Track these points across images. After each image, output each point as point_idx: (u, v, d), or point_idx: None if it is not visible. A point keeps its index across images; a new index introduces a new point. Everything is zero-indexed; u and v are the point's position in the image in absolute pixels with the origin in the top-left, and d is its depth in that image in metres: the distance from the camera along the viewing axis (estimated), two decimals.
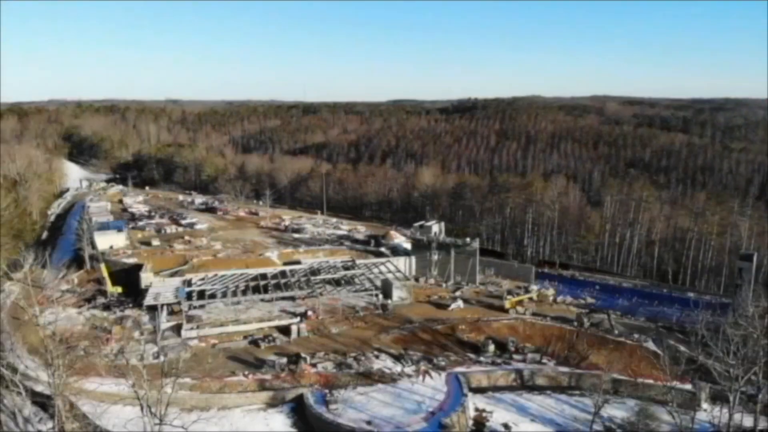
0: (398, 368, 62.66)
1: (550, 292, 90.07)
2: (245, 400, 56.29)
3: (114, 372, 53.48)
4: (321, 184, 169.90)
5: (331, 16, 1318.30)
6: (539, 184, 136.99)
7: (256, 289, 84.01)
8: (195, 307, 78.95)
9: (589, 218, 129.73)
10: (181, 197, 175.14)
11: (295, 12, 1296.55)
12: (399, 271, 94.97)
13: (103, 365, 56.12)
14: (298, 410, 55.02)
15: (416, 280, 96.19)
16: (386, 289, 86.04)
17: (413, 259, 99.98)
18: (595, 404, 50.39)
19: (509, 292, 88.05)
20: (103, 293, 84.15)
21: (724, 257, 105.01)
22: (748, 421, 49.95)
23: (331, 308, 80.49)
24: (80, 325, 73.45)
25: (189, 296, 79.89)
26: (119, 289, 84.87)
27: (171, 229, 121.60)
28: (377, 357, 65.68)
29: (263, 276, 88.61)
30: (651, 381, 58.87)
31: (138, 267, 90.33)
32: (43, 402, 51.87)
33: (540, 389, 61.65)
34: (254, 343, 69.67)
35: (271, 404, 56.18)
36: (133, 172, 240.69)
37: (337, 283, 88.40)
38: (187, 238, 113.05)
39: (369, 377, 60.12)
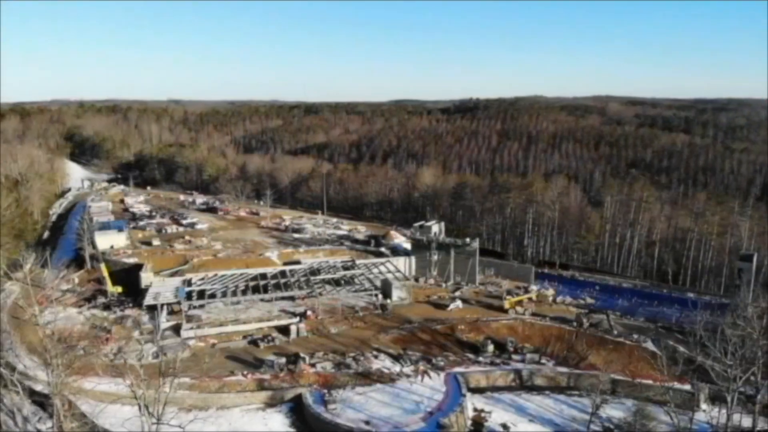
0: (397, 368, 62.67)
1: (550, 292, 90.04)
2: (244, 400, 56.35)
3: (112, 371, 53.62)
4: (322, 184, 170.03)
5: (332, 16, 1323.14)
6: (540, 184, 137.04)
7: (255, 289, 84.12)
8: (195, 307, 79.06)
9: (589, 218, 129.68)
10: (182, 197, 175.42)
11: (297, 12, 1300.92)
12: (399, 271, 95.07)
13: (100, 365, 56.24)
14: (297, 410, 55.07)
15: (416, 280, 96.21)
16: (386, 289, 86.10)
17: (413, 259, 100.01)
18: (593, 404, 50.36)
19: (509, 293, 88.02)
20: (104, 293, 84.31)
21: (724, 258, 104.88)
22: (747, 422, 49.85)
23: (330, 308, 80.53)
24: (80, 324, 73.60)
25: (189, 296, 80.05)
26: (119, 289, 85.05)
27: (172, 229, 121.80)
28: (376, 357, 65.69)
29: (263, 276, 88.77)
30: (650, 381, 58.73)
31: (138, 267, 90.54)
32: (41, 401, 52.04)
33: (539, 389, 61.63)
34: (253, 342, 69.76)
35: (270, 404, 56.23)
36: (135, 172, 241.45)
37: (336, 283, 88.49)
38: (187, 238, 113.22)
39: (368, 377, 60.13)
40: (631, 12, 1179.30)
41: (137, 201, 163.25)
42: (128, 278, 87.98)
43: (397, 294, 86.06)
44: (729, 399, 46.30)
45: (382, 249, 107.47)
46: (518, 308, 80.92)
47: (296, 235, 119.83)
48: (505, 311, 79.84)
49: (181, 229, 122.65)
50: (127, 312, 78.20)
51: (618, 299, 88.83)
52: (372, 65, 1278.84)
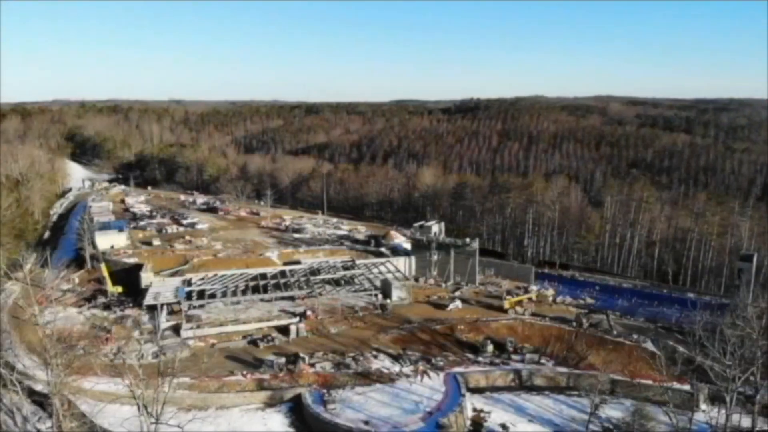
0: (396, 368, 62.69)
1: (550, 292, 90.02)
2: (243, 400, 56.39)
3: (111, 371, 53.68)
4: (322, 184, 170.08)
5: (332, 16, 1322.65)
6: (540, 184, 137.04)
7: (255, 289, 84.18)
8: (194, 307, 79.13)
9: (589, 219, 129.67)
10: (182, 197, 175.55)
11: (297, 12, 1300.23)
12: (399, 271, 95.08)
13: (99, 364, 56.31)
14: (296, 410, 55.11)
15: (416, 280, 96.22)
16: (386, 290, 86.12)
17: (413, 259, 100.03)
18: (592, 404, 50.35)
19: (508, 293, 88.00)
20: (104, 293, 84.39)
21: (724, 258, 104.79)
22: (746, 422, 49.81)
23: (330, 308, 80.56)
24: (80, 324, 73.67)
25: (189, 296, 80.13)
26: (119, 289, 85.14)
27: (172, 228, 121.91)
28: (376, 357, 65.72)
29: (263, 276, 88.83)
30: (649, 381, 58.72)
31: (138, 267, 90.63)
32: (41, 401, 52.18)
33: (538, 389, 61.61)
34: (253, 342, 69.82)
35: (269, 404, 56.26)
36: (136, 172, 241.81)
37: (336, 283, 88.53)
38: (187, 237, 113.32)
39: (367, 377, 60.16)
40: (631, 12, 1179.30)
41: (138, 201, 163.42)
42: (128, 278, 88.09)
43: (396, 294, 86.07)
44: (728, 399, 46.28)
45: (382, 249, 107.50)
46: (518, 308, 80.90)
47: (296, 235, 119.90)
48: (505, 311, 79.83)
49: (181, 229, 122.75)
50: (127, 312, 78.27)
51: (618, 299, 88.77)
52: (373, 65, 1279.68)
